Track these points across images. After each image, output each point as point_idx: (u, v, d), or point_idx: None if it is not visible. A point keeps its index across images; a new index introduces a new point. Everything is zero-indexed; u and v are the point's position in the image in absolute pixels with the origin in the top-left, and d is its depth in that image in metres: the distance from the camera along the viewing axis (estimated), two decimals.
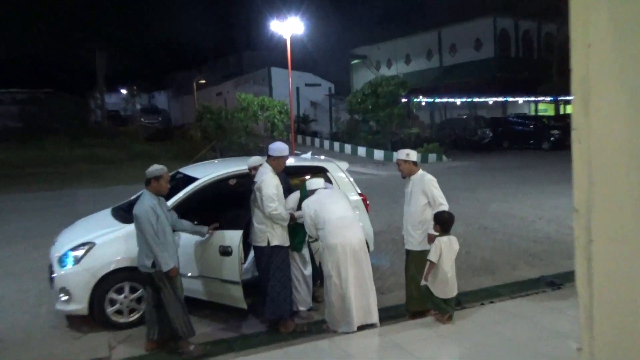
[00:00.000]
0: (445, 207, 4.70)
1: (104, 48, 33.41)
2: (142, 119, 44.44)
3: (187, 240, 5.15)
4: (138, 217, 4.20)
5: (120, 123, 42.60)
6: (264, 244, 4.84)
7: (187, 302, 5.43)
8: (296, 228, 5.05)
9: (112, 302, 5.01)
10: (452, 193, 12.77)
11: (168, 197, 5.32)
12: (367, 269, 4.70)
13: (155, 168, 4.42)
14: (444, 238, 4.49)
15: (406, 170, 4.93)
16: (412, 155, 4.94)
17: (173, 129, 37.61)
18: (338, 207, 4.77)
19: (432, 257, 4.41)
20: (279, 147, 4.98)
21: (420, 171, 4.96)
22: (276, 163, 4.95)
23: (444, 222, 4.53)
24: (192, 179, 5.58)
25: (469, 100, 30.74)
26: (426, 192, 4.76)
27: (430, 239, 4.69)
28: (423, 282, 4.55)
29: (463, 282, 6.10)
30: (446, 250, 4.46)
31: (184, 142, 28.31)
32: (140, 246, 4.31)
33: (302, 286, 5.25)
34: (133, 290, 5.05)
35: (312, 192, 4.98)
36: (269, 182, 4.78)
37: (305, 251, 5.35)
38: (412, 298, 4.92)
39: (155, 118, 44.54)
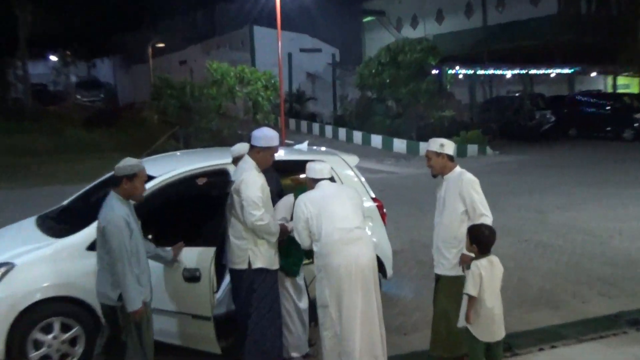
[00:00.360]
0: (488, 219, 4.71)
1: (26, 1, 33.38)
2: (79, 96, 44.44)
3: None
4: (107, 231, 4.16)
5: (48, 101, 42.51)
6: (244, 265, 4.85)
7: None
8: (290, 245, 5.05)
9: (37, 345, 4.99)
10: (499, 198, 12.87)
11: None
12: (377, 301, 4.68)
13: (128, 163, 4.40)
14: (483, 261, 4.44)
15: (438, 167, 4.96)
16: (448, 146, 4.97)
17: (120, 109, 37.66)
18: (345, 212, 4.70)
19: (470, 289, 4.38)
20: (265, 135, 4.98)
21: (458, 168, 4.99)
22: (262, 156, 4.96)
23: (482, 240, 4.47)
24: (147, 178, 5.56)
25: (523, 72, 30.82)
26: (464, 197, 4.79)
27: (464, 260, 4.69)
28: (462, 323, 4.53)
29: (514, 319, 6.12)
30: (487, 277, 4.42)
31: (136, 127, 28.37)
32: (102, 269, 4.32)
33: (295, 324, 5.25)
34: (65, 328, 5.07)
35: (314, 182, 4.92)
36: (251, 183, 4.79)
37: (300, 277, 5.36)
38: (440, 340, 4.93)
39: (96, 95, 44.55)
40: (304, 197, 4.79)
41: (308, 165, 4.99)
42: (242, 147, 5.36)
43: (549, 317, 6.28)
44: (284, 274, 5.19)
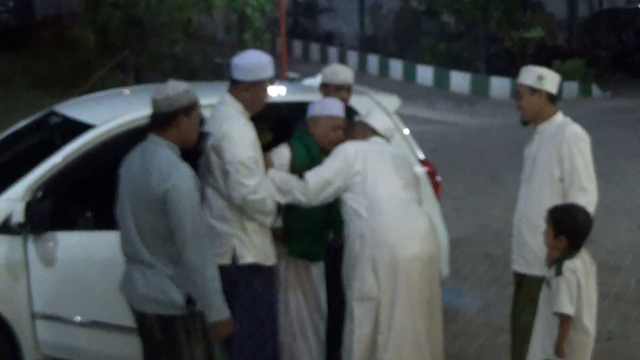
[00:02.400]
0: (590, 197, 4.75)
1: None
2: None
3: (71, 249, 5.27)
4: (173, 200, 4.02)
5: None
6: (225, 260, 4.86)
7: None
8: (312, 214, 5.19)
9: None
10: (609, 164, 12.84)
11: (31, 160, 5.39)
12: (439, 310, 4.96)
13: (181, 89, 4.24)
14: (578, 262, 4.45)
15: (533, 111, 5.00)
16: (550, 80, 5.01)
17: (38, 26, 37.64)
18: (406, 180, 5.06)
19: (565, 306, 4.34)
20: (253, 63, 4.96)
21: (560, 116, 5.03)
22: (250, 96, 4.95)
23: (575, 230, 4.47)
24: (82, 128, 5.61)
25: None
26: (563, 158, 4.83)
27: (551, 258, 4.68)
28: (543, 357, 4.54)
29: (631, 341, 6.23)
30: (585, 286, 4.45)
31: (62, 53, 28.28)
32: (149, 262, 4.18)
33: (308, 337, 5.38)
34: None
35: (367, 132, 5.17)
36: (238, 137, 4.78)
37: (319, 268, 5.44)
38: None
39: (2, 2, 44.55)
40: (354, 145, 5.01)
41: (371, 107, 5.25)
42: (337, 71, 5.69)
43: None
44: (303, 256, 5.33)
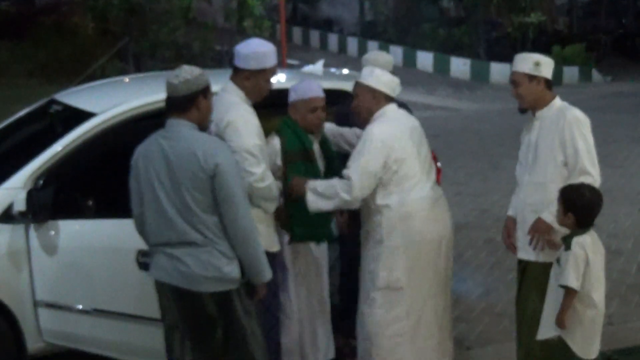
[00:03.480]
0: (592, 180, 4.74)
1: None
2: None
3: (73, 237, 5.28)
4: (223, 173, 4.18)
5: None
6: None
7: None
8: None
9: None
10: (610, 148, 12.90)
11: (32, 148, 5.42)
12: (449, 290, 5.21)
13: (196, 72, 4.34)
14: (587, 238, 4.50)
15: (532, 98, 4.97)
16: (546, 66, 4.97)
17: (36, 13, 37.59)
18: (422, 164, 5.08)
19: (571, 279, 4.38)
20: (256, 51, 4.94)
21: (558, 101, 5.01)
22: (253, 84, 4.94)
23: (584, 207, 4.51)
24: (83, 116, 5.61)
25: None
26: (566, 143, 4.82)
27: (551, 242, 4.74)
28: (549, 332, 4.58)
29: (630, 327, 6.24)
30: (593, 262, 4.49)
31: (61, 41, 28.29)
32: (201, 242, 4.23)
33: (317, 318, 5.38)
34: None
35: (382, 101, 5.08)
36: (243, 125, 4.75)
37: (323, 248, 5.43)
38: (534, 357, 4.97)
39: None
40: (387, 130, 4.94)
41: (375, 72, 5.12)
42: (378, 57, 5.70)
43: None
44: (310, 239, 5.33)
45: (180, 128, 4.27)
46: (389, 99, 5.07)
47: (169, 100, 4.33)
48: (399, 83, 5.21)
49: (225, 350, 4.36)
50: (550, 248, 4.77)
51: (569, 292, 4.40)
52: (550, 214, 4.72)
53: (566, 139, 4.80)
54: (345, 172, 4.88)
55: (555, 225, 4.69)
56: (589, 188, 4.55)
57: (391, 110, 5.08)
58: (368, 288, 5.00)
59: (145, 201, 4.31)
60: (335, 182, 4.90)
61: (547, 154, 4.88)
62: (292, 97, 5.25)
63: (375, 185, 4.89)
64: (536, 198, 4.91)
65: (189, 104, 4.28)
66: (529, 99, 4.96)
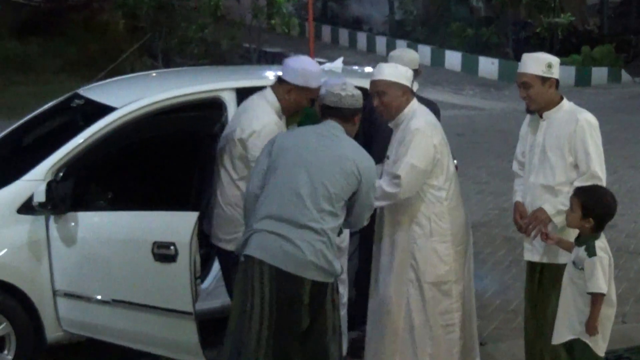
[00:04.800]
0: (602, 182, 4.75)
1: None
2: None
3: (91, 228, 5.37)
4: (373, 172, 4.66)
5: None
6: (232, 247, 4.91)
7: (95, 350, 5.70)
8: None
9: None
10: (634, 150, 12.84)
11: (54, 141, 5.52)
12: None
13: (359, 94, 4.70)
14: (604, 241, 4.55)
15: (543, 100, 4.94)
16: (557, 67, 4.94)
17: (68, 10, 37.77)
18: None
19: (601, 285, 4.40)
20: (306, 70, 5.06)
21: (566, 103, 4.99)
22: (293, 99, 5.08)
23: (608, 214, 4.55)
24: (103, 110, 5.69)
25: None
26: (576, 146, 4.80)
27: (563, 241, 4.73)
28: (572, 335, 4.57)
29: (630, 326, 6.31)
30: (611, 263, 4.56)
31: (92, 37, 28.49)
32: (328, 224, 4.42)
33: None
34: None
35: (410, 94, 5.13)
36: (266, 135, 4.83)
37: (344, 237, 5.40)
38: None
39: None
40: (425, 124, 4.98)
41: (399, 69, 5.11)
42: (403, 54, 5.79)
43: None
44: None
45: (338, 132, 4.55)
46: (413, 94, 5.13)
47: (332, 108, 4.60)
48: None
49: (305, 338, 4.43)
50: (560, 246, 4.77)
51: (598, 297, 4.42)
52: (552, 207, 4.75)
53: (577, 143, 4.79)
54: (391, 170, 4.93)
55: (556, 219, 4.73)
56: (610, 194, 4.60)
57: (417, 104, 5.12)
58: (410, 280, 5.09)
59: (278, 175, 4.43)
60: (381, 182, 4.92)
61: (556, 156, 4.87)
62: (322, 91, 5.11)
63: (424, 181, 4.95)
64: (547, 200, 4.88)
65: (351, 116, 4.61)
66: (540, 101, 4.93)
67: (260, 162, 4.59)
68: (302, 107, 5.15)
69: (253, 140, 4.88)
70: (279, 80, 5.09)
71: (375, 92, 5.04)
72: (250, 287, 4.31)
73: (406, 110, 5.00)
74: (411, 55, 5.89)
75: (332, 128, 4.55)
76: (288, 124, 5.28)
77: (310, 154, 4.43)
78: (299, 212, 4.30)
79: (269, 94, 5.07)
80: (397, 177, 4.83)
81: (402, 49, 6.27)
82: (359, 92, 4.64)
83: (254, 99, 5.10)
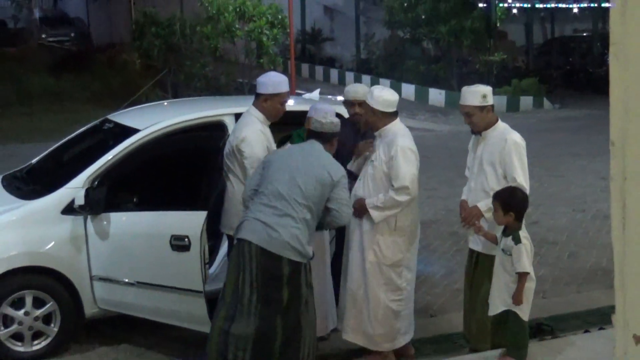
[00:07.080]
0: (524, 189, 4.82)
1: None
2: (44, 35, 44.54)
3: (121, 225, 5.51)
4: (343, 183, 4.81)
5: (7, 41, 42.68)
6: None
7: (124, 323, 5.84)
8: None
9: (7, 321, 5.35)
10: (556, 161, 13.10)
11: (89, 157, 5.70)
12: None
13: (336, 121, 5.03)
14: (525, 232, 4.69)
15: (484, 124, 5.02)
16: (490, 94, 5.03)
17: (94, 51, 37.71)
18: None
19: (526, 266, 4.55)
20: (272, 80, 5.26)
21: (501, 123, 5.09)
22: (270, 106, 5.22)
23: (520, 204, 4.66)
24: (129, 132, 5.84)
25: (594, 5, 30.42)
26: (505, 160, 4.89)
27: (489, 233, 4.85)
28: (504, 307, 4.66)
29: (561, 299, 6.51)
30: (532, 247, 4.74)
31: (113, 74, 28.45)
32: (306, 216, 4.63)
33: (322, 293, 5.43)
34: (39, 303, 5.41)
35: (389, 117, 5.22)
36: (255, 140, 5.06)
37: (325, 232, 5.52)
38: (482, 333, 5.06)
39: (66, 33, 44.45)
40: (410, 140, 5.21)
41: (376, 93, 5.18)
42: (356, 89, 5.68)
43: (603, 297, 6.44)
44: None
45: (320, 151, 4.82)
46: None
47: (315, 132, 4.86)
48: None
49: (287, 309, 4.55)
50: (485, 237, 4.90)
51: (524, 276, 4.57)
52: (485, 205, 4.87)
53: (505, 158, 4.90)
54: (397, 183, 5.01)
55: (487, 214, 4.84)
56: (520, 190, 4.74)
57: (400, 126, 5.31)
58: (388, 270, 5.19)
59: (268, 177, 4.66)
60: (390, 194, 5.00)
61: (490, 167, 4.99)
62: (311, 113, 5.29)
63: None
64: (481, 202, 5.01)
65: (328, 140, 4.86)
66: (481, 124, 5.01)
67: (257, 168, 4.83)
68: (281, 112, 5.27)
69: (244, 145, 5.07)
70: (256, 95, 5.26)
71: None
72: (242, 262, 4.50)
73: (394, 128, 5.20)
74: (353, 89, 5.78)
75: (314, 145, 4.79)
76: (282, 142, 5.49)
77: (294, 162, 4.66)
78: (281, 204, 4.51)
79: (252, 109, 5.25)
80: (406, 187, 4.97)
81: (351, 85, 6.06)
82: (337, 120, 4.88)
83: (244, 115, 5.32)
